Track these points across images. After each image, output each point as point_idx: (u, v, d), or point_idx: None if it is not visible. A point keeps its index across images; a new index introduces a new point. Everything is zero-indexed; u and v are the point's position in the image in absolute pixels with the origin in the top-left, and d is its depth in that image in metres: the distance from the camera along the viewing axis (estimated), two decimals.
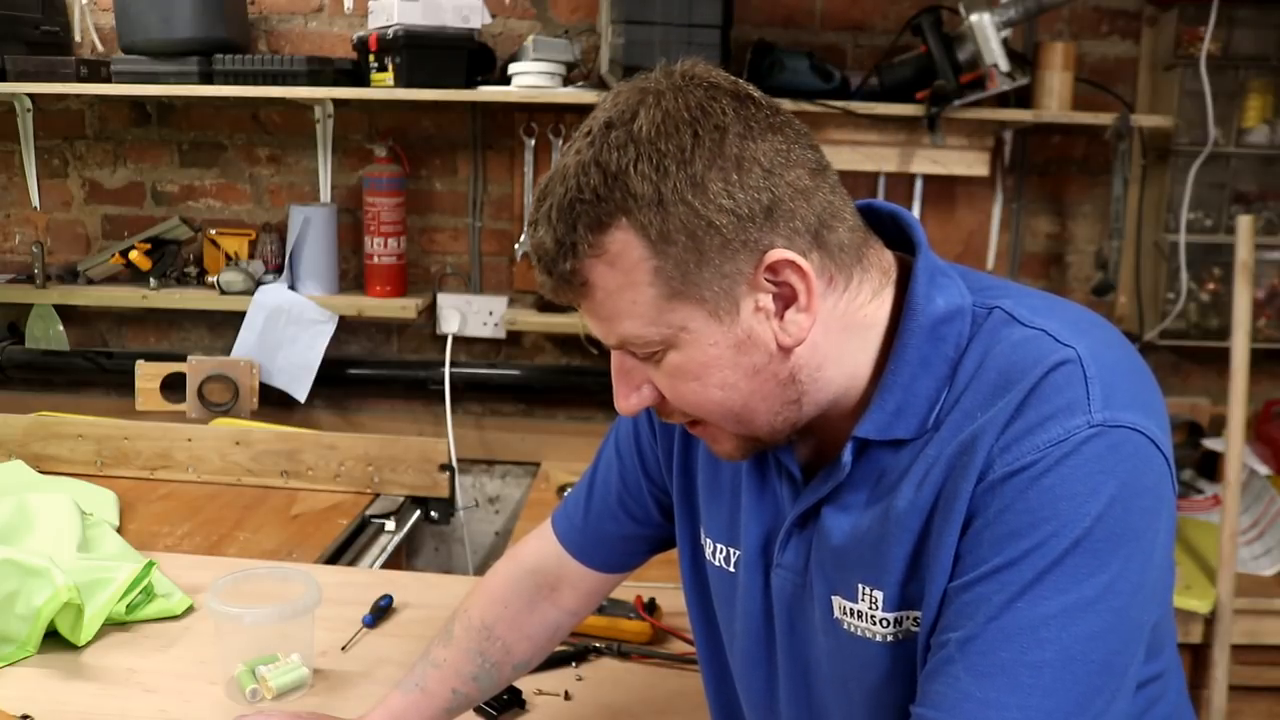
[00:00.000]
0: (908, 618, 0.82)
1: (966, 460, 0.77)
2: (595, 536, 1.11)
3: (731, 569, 0.97)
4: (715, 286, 0.77)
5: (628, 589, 1.53)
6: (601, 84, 2.32)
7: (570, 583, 1.14)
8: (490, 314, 2.55)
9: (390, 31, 2.22)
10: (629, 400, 0.85)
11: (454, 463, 2.39)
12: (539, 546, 1.16)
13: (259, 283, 2.49)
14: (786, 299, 0.79)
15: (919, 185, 2.44)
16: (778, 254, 0.77)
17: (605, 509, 1.10)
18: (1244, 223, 2.04)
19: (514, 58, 2.32)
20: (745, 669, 0.99)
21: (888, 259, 0.86)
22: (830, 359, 0.82)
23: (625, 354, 0.84)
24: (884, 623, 0.83)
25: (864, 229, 0.84)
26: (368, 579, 1.74)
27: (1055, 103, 2.27)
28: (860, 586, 0.84)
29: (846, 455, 0.84)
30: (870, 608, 0.83)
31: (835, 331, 0.82)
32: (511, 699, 1.30)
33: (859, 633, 0.85)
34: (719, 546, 0.98)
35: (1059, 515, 0.72)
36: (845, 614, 0.85)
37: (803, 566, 0.89)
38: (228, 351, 2.51)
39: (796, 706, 0.94)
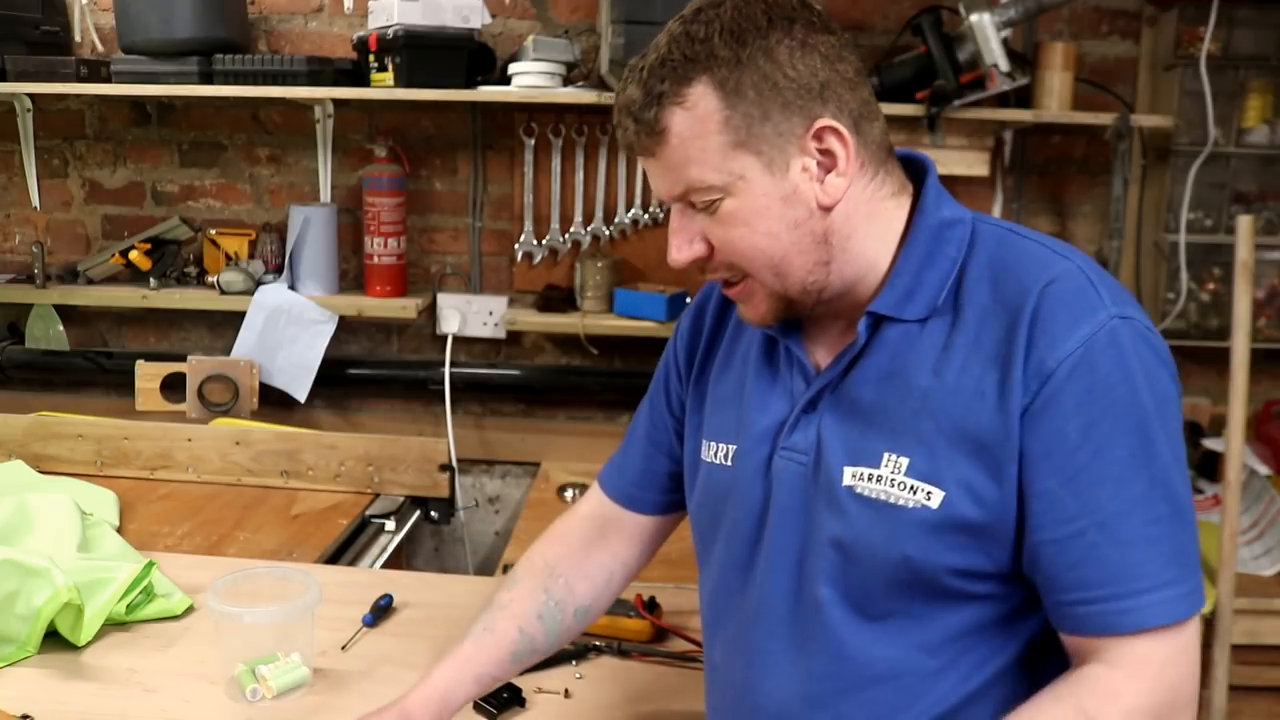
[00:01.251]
0: (922, 489, 0.91)
1: (1008, 357, 0.88)
2: (630, 476, 1.22)
3: (729, 463, 1.05)
4: (772, 141, 0.91)
5: (628, 588, 1.53)
6: (601, 84, 2.32)
7: (616, 528, 1.23)
8: (490, 314, 2.55)
9: (390, 31, 2.22)
10: (682, 252, 0.97)
11: (454, 463, 2.39)
12: (589, 499, 1.26)
13: (259, 283, 2.50)
14: (827, 166, 0.93)
15: None
16: (826, 121, 0.91)
17: (638, 449, 1.22)
18: (1244, 223, 2.04)
19: (514, 58, 2.32)
20: (734, 560, 1.04)
21: (905, 179, 0.99)
22: (858, 234, 0.96)
23: (684, 208, 0.96)
24: (902, 486, 0.92)
25: (890, 143, 0.98)
26: (368, 579, 1.74)
27: (1055, 103, 2.27)
28: (885, 454, 0.93)
29: (861, 326, 0.95)
30: (893, 472, 0.93)
31: (863, 214, 0.95)
32: (511, 697, 1.30)
33: (874, 495, 0.93)
34: (718, 446, 1.07)
35: (1121, 398, 0.86)
36: (860, 479, 0.94)
37: (811, 444, 0.98)
38: (228, 351, 2.51)
39: (777, 584, 1.00)
